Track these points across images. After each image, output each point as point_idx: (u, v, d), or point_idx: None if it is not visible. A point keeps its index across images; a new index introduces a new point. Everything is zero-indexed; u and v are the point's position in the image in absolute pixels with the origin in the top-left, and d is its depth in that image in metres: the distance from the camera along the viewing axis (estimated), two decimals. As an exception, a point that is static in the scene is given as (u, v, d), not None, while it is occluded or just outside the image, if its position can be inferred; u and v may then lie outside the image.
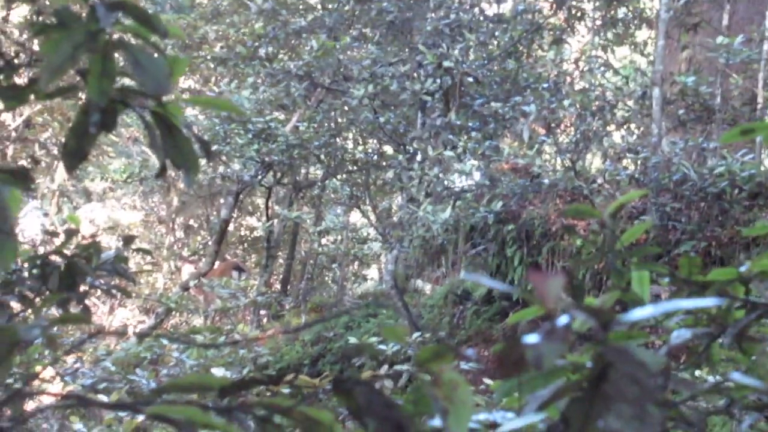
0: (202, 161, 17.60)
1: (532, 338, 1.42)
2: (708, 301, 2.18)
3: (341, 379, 1.52)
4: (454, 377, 1.59)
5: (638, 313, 1.60)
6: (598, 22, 19.33)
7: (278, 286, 23.61)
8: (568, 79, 15.88)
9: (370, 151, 16.93)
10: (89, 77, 1.95)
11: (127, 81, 2.17)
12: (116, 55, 1.99)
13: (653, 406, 1.34)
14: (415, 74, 14.79)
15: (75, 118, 2.03)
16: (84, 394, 8.37)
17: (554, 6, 17.47)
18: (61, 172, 27.22)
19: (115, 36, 2.01)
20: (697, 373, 7.17)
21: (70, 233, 4.22)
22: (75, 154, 2.05)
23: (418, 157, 14.42)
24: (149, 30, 2.06)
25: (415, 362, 1.60)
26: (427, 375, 1.61)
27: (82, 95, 2.04)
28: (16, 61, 2.23)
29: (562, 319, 1.47)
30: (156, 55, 2.02)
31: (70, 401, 2.49)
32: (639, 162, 13.67)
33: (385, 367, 10.22)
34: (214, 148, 15.98)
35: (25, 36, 20.04)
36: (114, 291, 4.65)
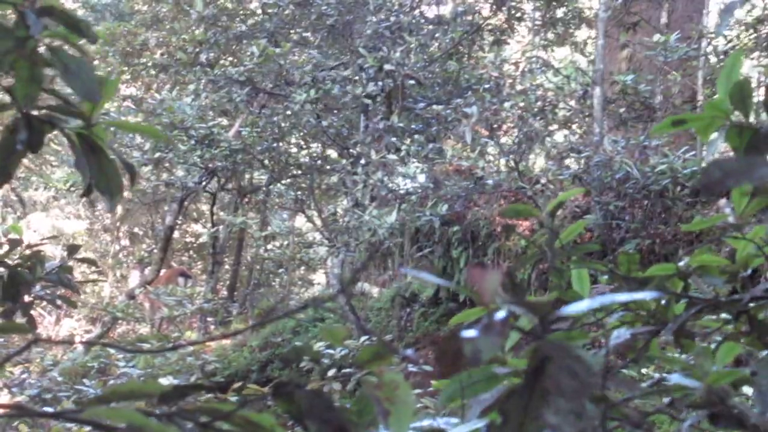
0: (144, 169, 17.49)
1: (469, 332, 1.43)
2: (643, 294, 2.19)
3: (282, 383, 1.52)
4: (395, 378, 1.59)
5: (575, 307, 1.61)
6: (538, 23, 19.42)
7: (225, 293, 23.52)
8: (509, 80, 15.95)
9: (314, 155, 16.90)
10: (16, 82, 1.94)
11: (54, 101, 2.16)
12: (46, 66, 1.98)
13: (590, 403, 1.35)
14: (357, 78, 14.79)
15: (1, 136, 2.02)
16: (29, 405, 8.31)
17: (494, 7, 17.54)
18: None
19: (46, 42, 2.01)
20: (644, 370, 7.23)
21: (14, 243, 4.19)
22: (0, 172, 2.04)
23: (362, 161, 14.42)
24: (78, 35, 2.05)
25: (356, 364, 1.61)
26: (374, 378, 1.61)
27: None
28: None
29: (500, 314, 1.48)
30: (85, 60, 2.01)
31: (11, 411, 2.48)
32: (582, 161, 13.72)
33: (333, 370, 10.20)
34: (157, 155, 15.92)
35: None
36: (59, 301, 4.62)
